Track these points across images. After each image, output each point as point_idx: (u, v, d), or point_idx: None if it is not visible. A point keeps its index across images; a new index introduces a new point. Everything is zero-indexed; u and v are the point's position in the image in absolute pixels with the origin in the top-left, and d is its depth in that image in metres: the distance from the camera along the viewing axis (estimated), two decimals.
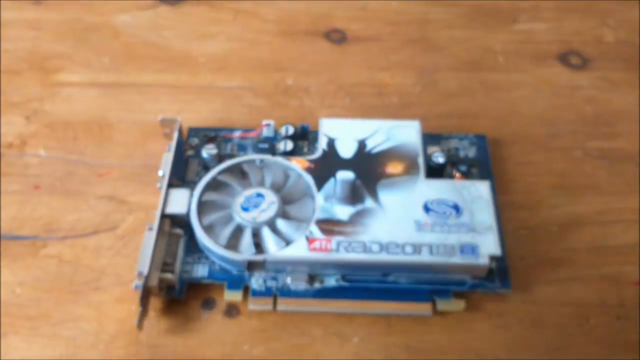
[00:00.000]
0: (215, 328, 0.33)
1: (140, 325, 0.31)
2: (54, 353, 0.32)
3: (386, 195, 0.34)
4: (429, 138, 0.39)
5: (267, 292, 0.33)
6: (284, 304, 0.33)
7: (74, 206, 0.37)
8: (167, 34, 0.47)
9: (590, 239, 0.36)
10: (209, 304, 0.34)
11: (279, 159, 0.36)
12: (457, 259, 0.32)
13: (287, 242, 0.33)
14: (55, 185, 0.38)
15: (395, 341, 0.32)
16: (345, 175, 0.35)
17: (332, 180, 0.35)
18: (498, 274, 0.34)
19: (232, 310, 0.33)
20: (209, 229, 0.34)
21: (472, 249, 0.32)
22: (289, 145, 0.38)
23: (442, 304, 0.33)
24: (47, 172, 0.39)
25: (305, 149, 0.39)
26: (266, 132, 0.39)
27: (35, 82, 0.43)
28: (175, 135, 0.37)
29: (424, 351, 0.32)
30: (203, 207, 0.35)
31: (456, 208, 0.34)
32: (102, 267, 0.35)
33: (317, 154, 0.37)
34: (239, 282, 0.33)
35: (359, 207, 0.34)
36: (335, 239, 0.33)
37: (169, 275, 0.33)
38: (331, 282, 0.33)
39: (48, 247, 0.36)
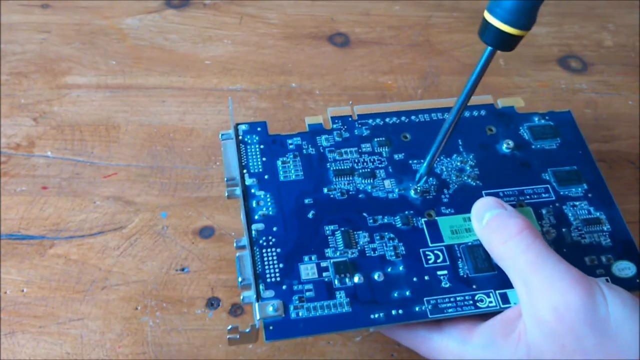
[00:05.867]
0: (220, 327, 0.33)
1: None
2: (61, 351, 0.32)
3: None
4: None
5: None
6: None
7: (80, 207, 0.38)
8: (173, 37, 0.47)
9: None
10: (213, 303, 0.34)
11: None
12: None
13: None
14: (62, 186, 0.39)
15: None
16: None
17: None
18: None
19: (236, 310, 0.34)
20: None
21: None
22: None
23: None
24: (54, 173, 0.39)
25: None
26: None
27: (43, 84, 0.44)
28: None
29: None
30: None
31: None
32: (108, 266, 0.35)
33: None
34: None
35: None
36: None
37: None
38: None
39: (55, 247, 0.36)
